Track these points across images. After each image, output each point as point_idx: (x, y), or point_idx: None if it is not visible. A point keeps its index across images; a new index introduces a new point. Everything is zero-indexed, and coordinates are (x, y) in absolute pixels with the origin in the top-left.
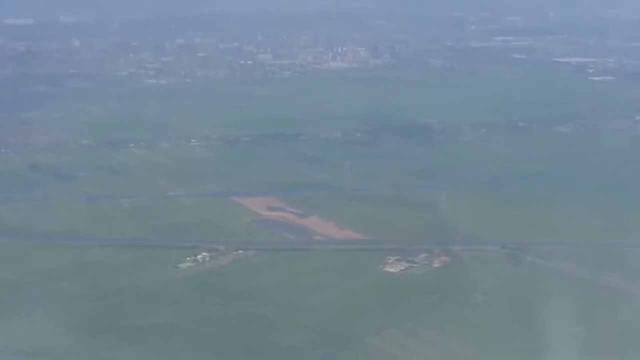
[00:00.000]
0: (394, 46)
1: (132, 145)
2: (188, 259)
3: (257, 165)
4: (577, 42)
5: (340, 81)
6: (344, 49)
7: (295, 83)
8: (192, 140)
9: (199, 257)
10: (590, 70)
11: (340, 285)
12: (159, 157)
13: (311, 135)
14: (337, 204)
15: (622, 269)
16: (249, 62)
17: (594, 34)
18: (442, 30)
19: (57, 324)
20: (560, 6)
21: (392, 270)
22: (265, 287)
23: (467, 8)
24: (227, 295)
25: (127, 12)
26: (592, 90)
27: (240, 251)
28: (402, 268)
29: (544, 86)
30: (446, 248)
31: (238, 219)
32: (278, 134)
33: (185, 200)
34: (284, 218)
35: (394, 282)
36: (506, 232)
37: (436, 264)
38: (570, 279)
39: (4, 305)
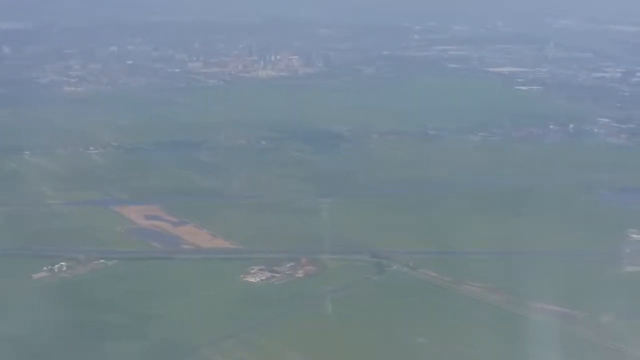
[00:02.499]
0: (329, 54)
1: (28, 152)
2: (45, 268)
3: (149, 173)
4: (516, 51)
5: (263, 89)
6: (278, 57)
7: (217, 91)
8: (91, 148)
9: (56, 266)
10: (520, 80)
11: (194, 295)
12: (51, 165)
13: (215, 143)
14: (219, 213)
15: (486, 278)
16: (177, 70)
17: (536, 44)
18: (384, 39)
19: None
20: (510, 17)
21: (252, 280)
22: (116, 296)
23: (416, 18)
24: (74, 304)
25: (71, 19)
26: (515, 99)
27: (102, 260)
28: (264, 278)
29: (468, 95)
30: (315, 257)
31: (110, 228)
32: (182, 141)
33: (64, 209)
34: (158, 227)
35: (250, 292)
36: (383, 240)
37: (299, 274)
38: (428, 289)
39: None
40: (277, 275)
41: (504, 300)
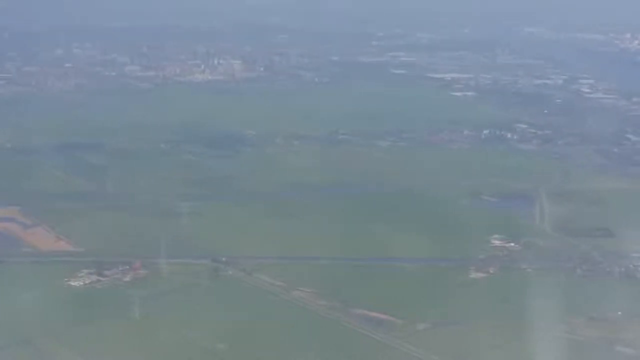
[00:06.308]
0: (274, 59)
1: None
2: None
3: (29, 175)
4: (468, 58)
5: (191, 93)
6: (220, 61)
7: (143, 94)
8: None
9: None
10: (458, 86)
11: (6, 299)
12: None
13: (112, 145)
14: (77, 216)
15: (320, 284)
16: (114, 73)
17: (492, 51)
18: (341, 46)
19: None
20: (478, 24)
21: (75, 284)
22: None
23: (382, 25)
24: None
25: (29, 24)
26: (444, 105)
27: None
28: (88, 282)
29: (398, 101)
30: (153, 261)
31: None
32: (79, 143)
33: None
34: (5, 229)
35: (67, 296)
36: (233, 245)
37: (127, 278)
38: (255, 294)
39: None
40: (103, 279)
41: (328, 306)
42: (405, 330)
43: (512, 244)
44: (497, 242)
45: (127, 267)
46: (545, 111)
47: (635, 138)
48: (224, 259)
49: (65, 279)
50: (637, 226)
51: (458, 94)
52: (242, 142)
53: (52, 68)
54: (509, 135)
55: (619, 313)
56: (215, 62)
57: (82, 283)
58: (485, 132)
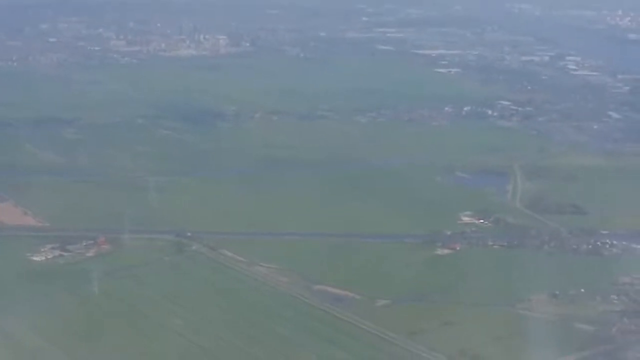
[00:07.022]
0: (260, 35)
1: None
2: None
3: (2, 149)
4: (456, 34)
5: (173, 68)
6: (206, 36)
7: (125, 69)
8: None
9: None
10: (443, 62)
11: None
12: None
13: (89, 120)
14: (46, 190)
15: (282, 259)
16: (97, 48)
17: (481, 28)
18: (330, 21)
19: None
20: (470, 0)
21: (37, 259)
22: None
23: (373, 1)
24: None
25: None
26: (428, 81)
27: None
28: (50, 257)
29: (381, 77)
30: (118, 236)
31: None
32: (56, 118)
33: None
34: None
35: (27, 271)
36: (199, 220)
37: (90, 253)
38: (217, 269)
39: None
40: (66, 254)
41: (288, 281)
42: (364, 307)
43: (482, 221)
44: (466, 219)
45: (92, 242)
46: (529, 88)
47: (616, 115)
48: (189, 234)
49: (28, 254)
50: (609, 203)
51: (443, 70)
52: (220, 117)
53: (36, 42)
54: (489, 112)
55: (582, 290)
56: (201, 37)
57: (44, 258)
58: (466, 108)
